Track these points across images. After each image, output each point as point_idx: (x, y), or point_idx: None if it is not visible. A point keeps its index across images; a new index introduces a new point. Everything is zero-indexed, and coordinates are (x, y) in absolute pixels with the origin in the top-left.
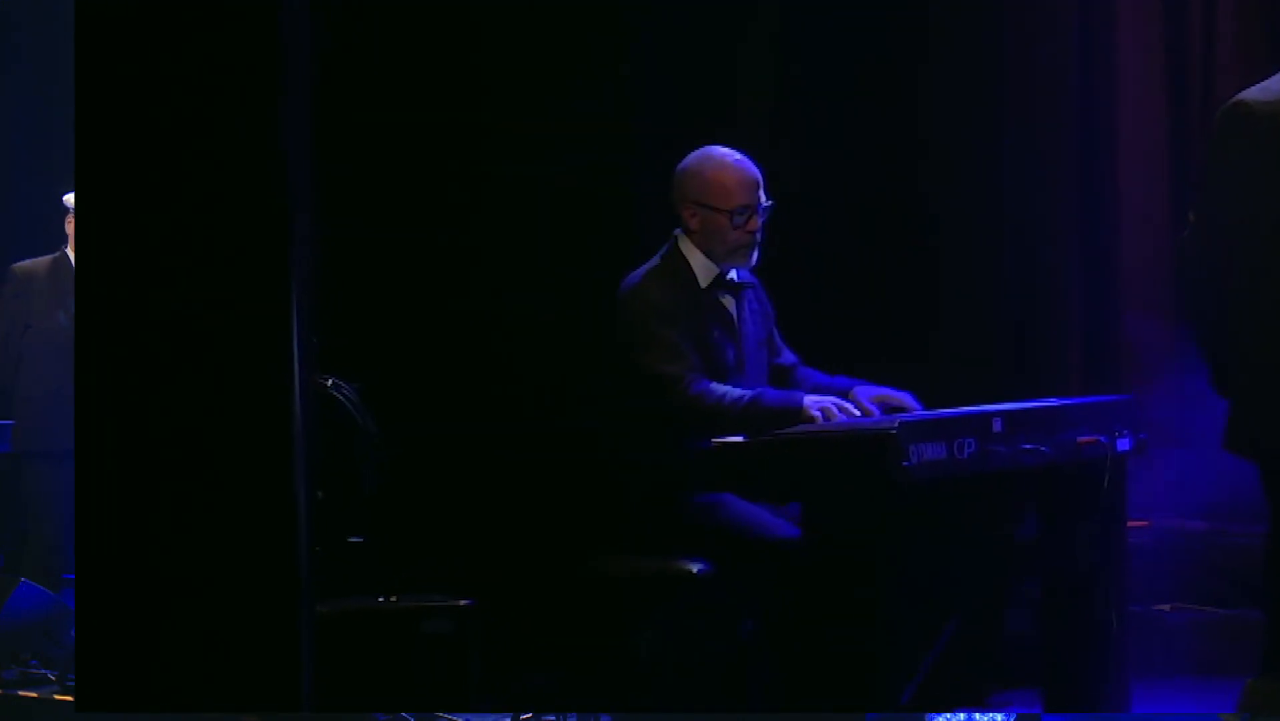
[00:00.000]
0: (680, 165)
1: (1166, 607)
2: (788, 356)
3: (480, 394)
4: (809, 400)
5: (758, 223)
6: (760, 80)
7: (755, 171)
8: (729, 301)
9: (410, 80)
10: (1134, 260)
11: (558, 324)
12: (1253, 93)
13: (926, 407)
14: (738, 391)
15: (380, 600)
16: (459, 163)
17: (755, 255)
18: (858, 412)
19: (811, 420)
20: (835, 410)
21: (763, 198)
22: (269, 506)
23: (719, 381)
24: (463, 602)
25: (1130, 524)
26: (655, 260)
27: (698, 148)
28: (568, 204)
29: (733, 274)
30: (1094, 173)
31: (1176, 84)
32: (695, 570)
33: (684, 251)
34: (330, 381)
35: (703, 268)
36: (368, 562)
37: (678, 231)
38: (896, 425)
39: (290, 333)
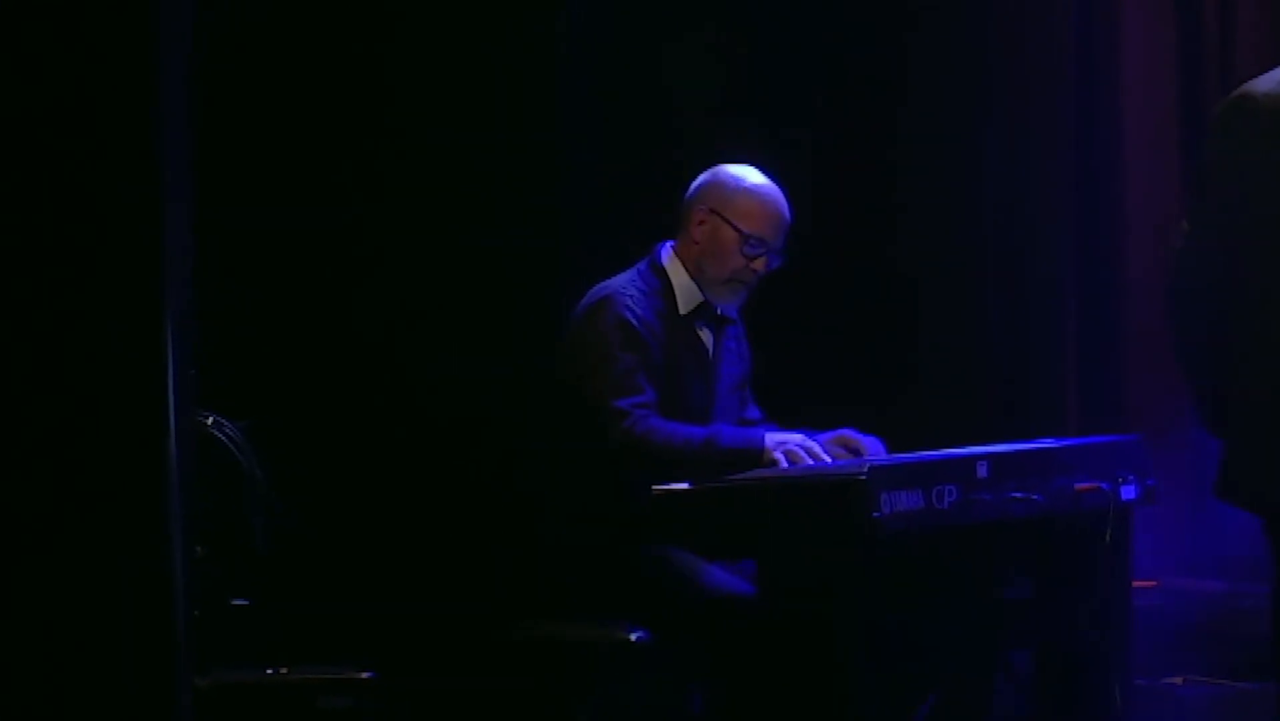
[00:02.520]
0: (711, 171)
1: (1177, 680)
2: (752, 411)
3: (386, 432)
4: (771, 439)
5: (765, 265)
6: (707, 78)
7: (788, 215)
8: (706, 335)
9: (306, 74)
10: (1141, 279)
11: (473, 350)
12: (1260, 83)
13: (902, 450)
14: (690, 430)
15: (269, 671)
16: (361, 163)
17: (742, 299)
18: (827, 458)
19: (774, 463)
20: (802, 452)
21: (780, 245)
22: (139, 564)
23: (684, 422)
24: (364, 675)
25: (1136, 584)
26: (631, 273)
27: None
28: (485, 214)
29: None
30: (1094, 177)
31: (1190, 78)
32: (634, 636)
33: (668, 269)
34: (211, 419)
35: (685, 291)
36: (254, 628)
37: (663, 247)
38: (866, 469)
39: (164, 362)
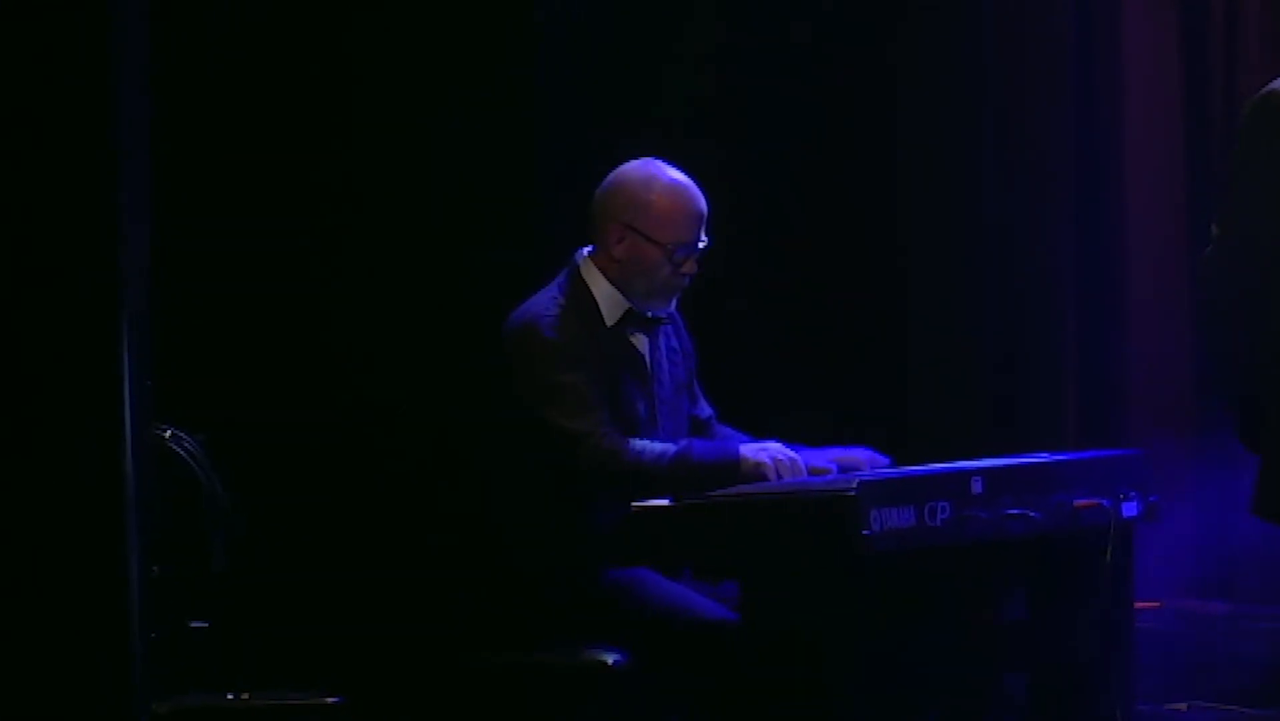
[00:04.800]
0: (614, 177)
1: (1182, 707)
2: (703, 409)
3: (351, 449)
4: (747, 449)
5: (694, 266)
6: (691, 73)
7: (704, 204)
8: (640, 340)
9: (268, 71)
10: (1142, 285)
11: (443, 367)
12: None
13: (892, 464)
14: (660, 446)
15: (229, 697)
16: (326, 169)
17: (675, 301)
18: (804, 469)
19: (754, 471)
20: (786, 462)
21: (703, 235)
22: (95, 584)
23: (629, 435)
24: (330, 700)
25: (1138, 605)
26: (552, 290)
27: (612, 158)
28: (454, 227)
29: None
30: (1094, 179)
31: (1194, 76)
32: (610, 661)
33: (587, 280)
34: (169, 433)
35: (609, 301)
36: (214, 652)
37: (579, 255)
38: (855, 485)
39: (119, 374)
